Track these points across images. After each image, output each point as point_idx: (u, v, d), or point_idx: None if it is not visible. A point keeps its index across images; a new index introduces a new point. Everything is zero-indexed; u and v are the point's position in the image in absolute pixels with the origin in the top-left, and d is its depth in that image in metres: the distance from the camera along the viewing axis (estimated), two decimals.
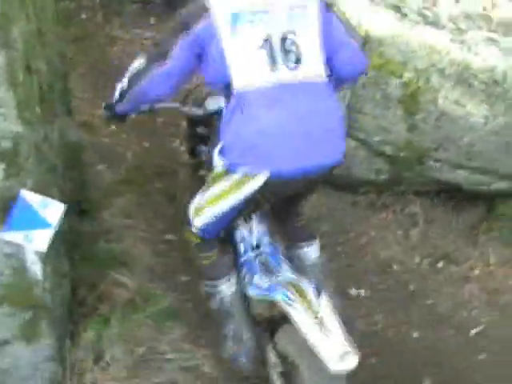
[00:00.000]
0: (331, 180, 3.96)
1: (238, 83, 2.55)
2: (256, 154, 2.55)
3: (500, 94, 3.86)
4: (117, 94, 2.85)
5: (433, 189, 4.09)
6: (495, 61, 3.84)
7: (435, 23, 3.96)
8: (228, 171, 2.62)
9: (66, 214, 3.24)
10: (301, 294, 2.60)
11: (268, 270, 2.79)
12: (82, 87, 4.81)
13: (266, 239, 2.81)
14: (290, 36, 2.56)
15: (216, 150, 2.65)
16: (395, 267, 3.61)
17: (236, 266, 2.93)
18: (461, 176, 3.99)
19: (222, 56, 2.54)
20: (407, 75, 3.85)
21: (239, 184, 2.60)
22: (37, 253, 2.67)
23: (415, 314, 3.46)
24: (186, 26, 2.58)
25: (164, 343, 3.09)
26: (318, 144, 2.56)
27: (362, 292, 3.45)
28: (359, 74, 2.97)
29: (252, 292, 2.85)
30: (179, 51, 2.60)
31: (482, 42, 3.89)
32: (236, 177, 2.60)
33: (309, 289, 2.63)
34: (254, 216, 2.79)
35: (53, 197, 2.78)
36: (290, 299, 2.60)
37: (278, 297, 2.66)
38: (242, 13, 2.53)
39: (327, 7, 2.70)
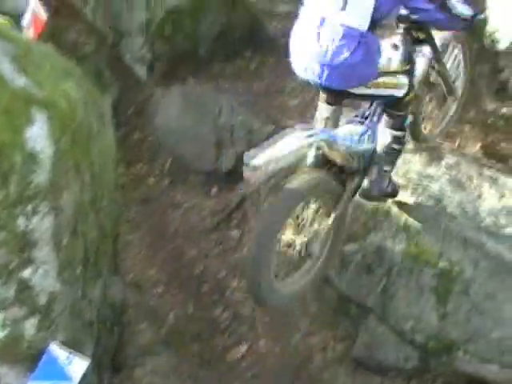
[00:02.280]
0: (360, 359, 4.02)
1: None
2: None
3: None
4: None
5: (461, 381, 4.03)
6: None
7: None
8: None
9: (99, 368, 3.42)
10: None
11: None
12: (138, 247, 5.11)
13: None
14: None
15: None
16: None
17: None
18: (490, 370, 3.94)
19: None
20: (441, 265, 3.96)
21: None
22: None
23: None
24: None
25: None
26: (322, 65, 3.47)
27: None
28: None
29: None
30: None
31: None
32: None
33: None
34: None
35: (85, 351, 2.96)
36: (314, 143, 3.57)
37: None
38: None
39: None
